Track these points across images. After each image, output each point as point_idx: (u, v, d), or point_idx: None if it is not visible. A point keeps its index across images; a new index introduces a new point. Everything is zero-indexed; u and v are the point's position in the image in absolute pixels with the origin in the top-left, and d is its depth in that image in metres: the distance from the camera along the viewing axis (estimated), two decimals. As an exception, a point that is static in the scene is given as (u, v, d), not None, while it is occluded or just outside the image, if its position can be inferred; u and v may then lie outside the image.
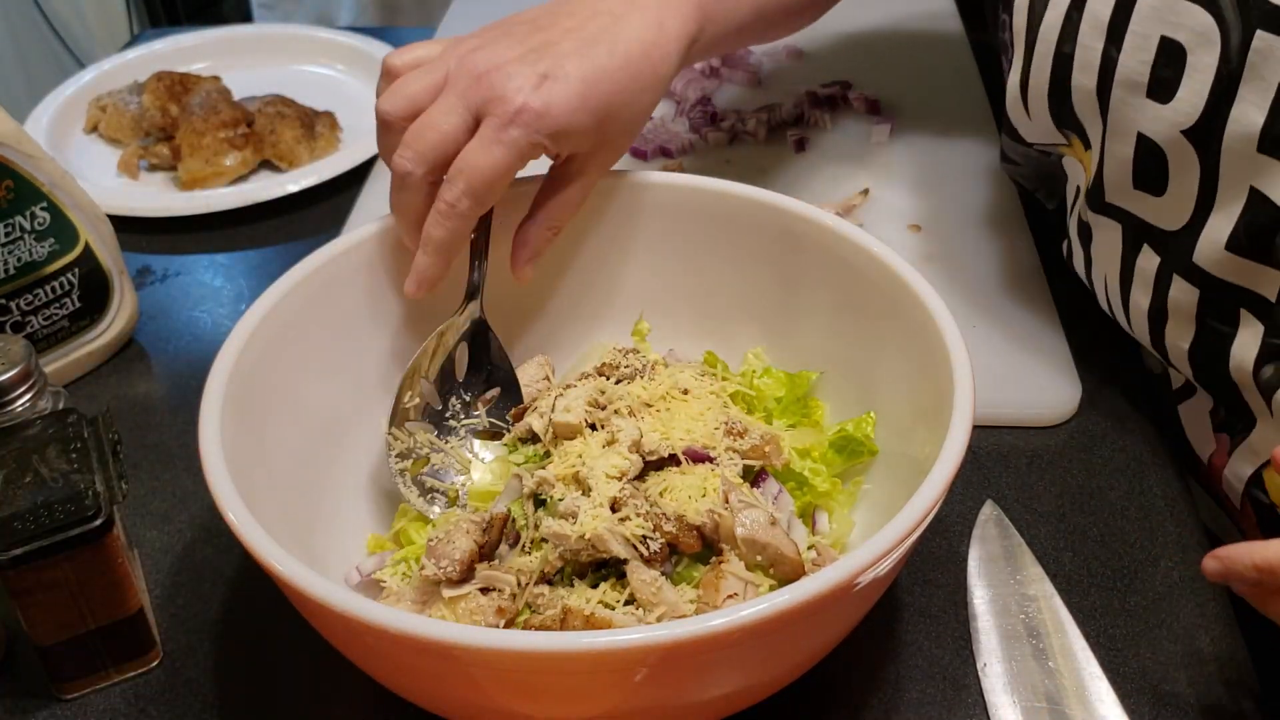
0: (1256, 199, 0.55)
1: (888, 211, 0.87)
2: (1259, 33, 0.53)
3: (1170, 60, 0.57)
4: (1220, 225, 0.57)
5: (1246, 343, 0.59)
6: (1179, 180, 0.59)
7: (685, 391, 0.60)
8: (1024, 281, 0.80)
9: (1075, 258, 0.71)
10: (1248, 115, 0.54)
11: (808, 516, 0.59)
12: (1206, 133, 0.56)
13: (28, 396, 0.60)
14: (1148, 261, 0.63)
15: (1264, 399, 0.60)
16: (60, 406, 0.62)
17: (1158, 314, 0.64)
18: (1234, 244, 0.57)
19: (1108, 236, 0.65)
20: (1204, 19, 0.55)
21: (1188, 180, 0.58)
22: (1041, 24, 0.63)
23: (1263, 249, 0.56)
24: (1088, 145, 0.65)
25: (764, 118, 0.97)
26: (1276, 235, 0.55)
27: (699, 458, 0.56)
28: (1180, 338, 0.63)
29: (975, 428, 0.51)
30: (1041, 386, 0.72)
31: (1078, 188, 0.70)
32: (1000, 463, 0.68)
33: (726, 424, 0.58)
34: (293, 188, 0.94)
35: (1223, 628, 0.59)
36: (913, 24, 1.13)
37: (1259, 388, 0.60)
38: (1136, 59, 0.58)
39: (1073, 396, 0.71)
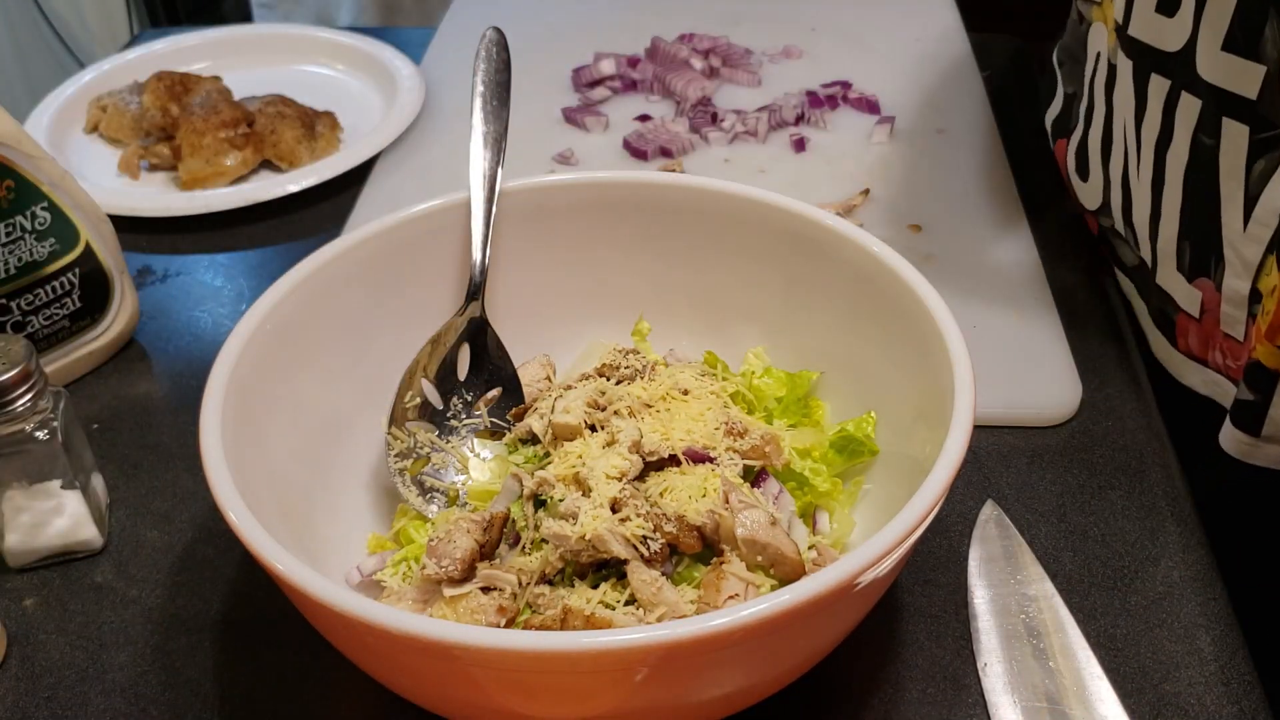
0: None
1: (888, 211, 0.87)
2: None
3: None
4: (1211, 38, 0.61)
5: (1230, 146, 0.63)
6: (1186, 2, 0.63)
7: (685, 392, 0.60)
8: (1024, 281, 0.80)
9: (1093, 128, 0.75)
10: None
11: (808, 516, 0.59)
12: None
13: (28, 397, 0.60)
14: (1157, 86, 0.67)
15: (1245, 210, 0.63)
16: (61, 407, 0.62)
17: (1164, 139, 0.67)
18: (1230, 44, 0.60)
19: (1125, 78, 0.69)
20: None
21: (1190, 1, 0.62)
22: None
23: (1253, 44, 0.59)
24: None
25: (764, 118, 0.97)
26: (1265, 27, 0.58)
27: (699, 458, 0.56)
28: (1177, 162, 0.66)
29: (975, 428, 0.51)
30: (1041, 386, 0.72)
31: (1098, 53, 0.75)
32: (1000, 463, 0.68)
33: (726, 424, 0.58)
34: (293, 188, 0.94)
35: (1223, 627, 0.59)
36: (913, 24, 1.13)
37: (1246, 190, 0.63)
38: None
39: (1073, 396, 0.71)
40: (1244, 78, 0.61)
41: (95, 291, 0.76)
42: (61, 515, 0.63)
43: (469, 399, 0.65)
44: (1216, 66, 0.62)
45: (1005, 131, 0.96)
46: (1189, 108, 0.65)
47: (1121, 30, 0.69)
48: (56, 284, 0.74)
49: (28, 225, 0.71)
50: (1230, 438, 0.67)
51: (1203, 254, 0.67)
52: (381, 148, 0.98)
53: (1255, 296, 0.65)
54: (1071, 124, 0.83)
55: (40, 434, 0.61)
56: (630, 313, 0.70)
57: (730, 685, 0.48)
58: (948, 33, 1.11)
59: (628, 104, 1.03)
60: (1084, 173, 0.80)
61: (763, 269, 0.67)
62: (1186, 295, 0.70)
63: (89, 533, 0.64)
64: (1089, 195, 0.80)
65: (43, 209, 0.71)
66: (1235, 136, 0.62)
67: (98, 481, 0.67)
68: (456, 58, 1.12)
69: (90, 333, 0.77)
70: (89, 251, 0.75)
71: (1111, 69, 0.73)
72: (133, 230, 0.91)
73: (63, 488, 0.62)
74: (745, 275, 0.67)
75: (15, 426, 0.60)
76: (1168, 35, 0.65)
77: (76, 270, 0.74)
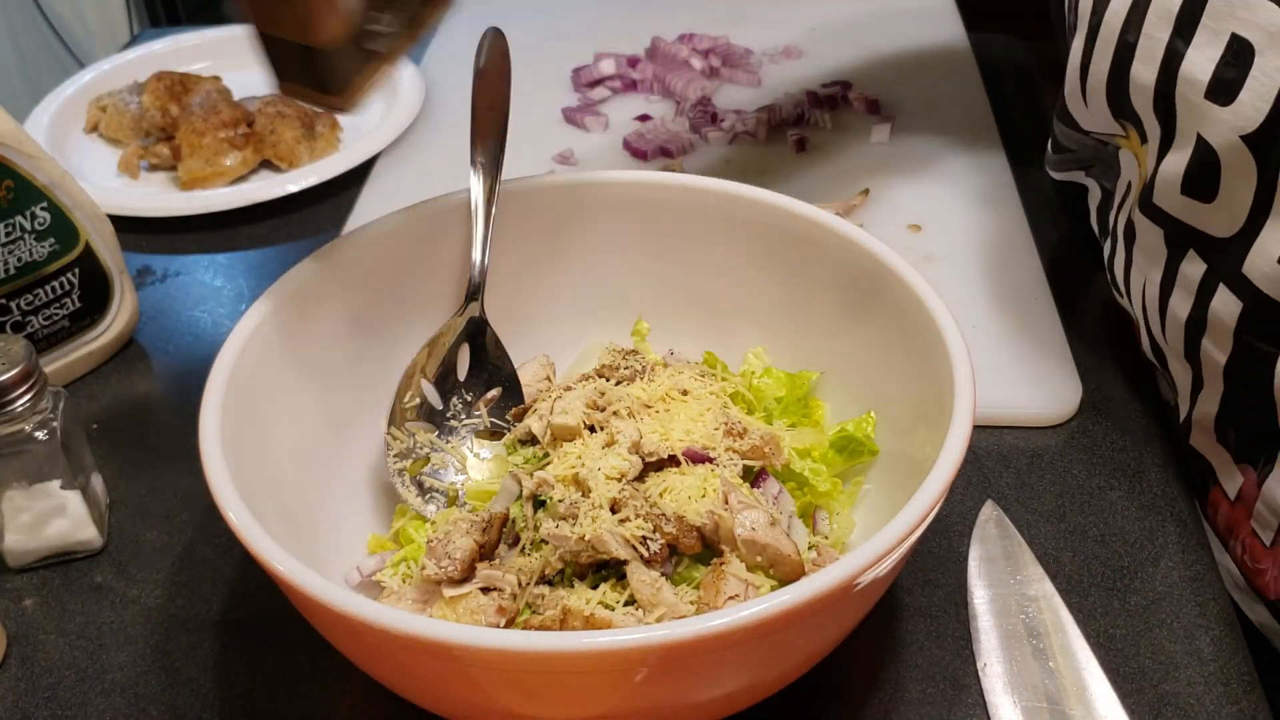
0: None
1: (888, 211, 0.87)
2: None
3: (1238, 59, 0.54)
4: (1275, 238, 0.55)
5: None
6: (1233, 187, 0.56)
7: (685, 392, 0.60)
8: (1024, 281, 0.80)
9: (1116, 259, 0.69)
10: None
11: (808, 517, 0.59)
12: (1269, 139, 0.53)
13: (28, 397, 0.60)
14: (1192, 268, 0.60)
15: None
16: (61, 407, 0.62)
17: (1196, 324, 0.61)
18: None
19: (1151, 240, 0.63)
20: (1275, 16, 0.52)
21: (1242, 188, 0.56)
22: (1107, 9, 0.61)
23: None
24: (1144, 139, 0.63)
25: (764, 118, 0.97)
26: None
27: (699, 458, 0.56)
28: (1218, 351, 0.61)
29: (975, 428, 0.51)
30: (1041, 386, 0.72)
31: (1129, 183, 0.67)
32: (1000, 463, 0.68)
33: (726, 424, 0.58)
34: (293, 188, 0.94)
35: (1223, 628, 0.59)
36: (913, 24, 1.13)
37: None
38: (1203, 55, 0.56)
39: (1073, 396, 0.71)
40: None
41: (95, 291, 0.76)
42: (61, 516, 0.63)
43: (468, 399, 0.65)
44: (1274, 278, 0.55)
45: (1005, 131, 0.96)
46: (1228, 304, 0.58)
47: (1146, 196, 0.62)
48: (56, 284, 0.74)
49: (27, 225, 0.71)
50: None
51: (1251, 444, 0.62)
52: (381, 148, 0.98)
53: None
54: (1104, 230, 0.75)
55: (40, 434, 0.61)
56: (630, 313, 0.70)
57: (730, 685, 0.48)
58: (948, 33, 1.11)
59: (628, 104, 1.03)
60: (1119, 290, 0.72)
61: (763, 269, 0.67)
62: (1228, 473, 0.64)
63: (89, 533, 0.64)
64: (1129, 309, 0.71)
65: (42, 209, 0.71)
66: None
67: (97, 482, 0.67)
68: (456, 58, 1.12)
69: (90, 333, 0.77)
70: (89, 251, 0.75)
71: (1131, 226, 0.66)
72: (133, 230, 0.91)
73: (62, 488, 0.62)
74: (745, 275, 0.67)
75: (15, 427, 0.60)
76: (1206, 219, 0.58)
77: (76, 270, 0.74)
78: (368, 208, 0.91)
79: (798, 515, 0.58)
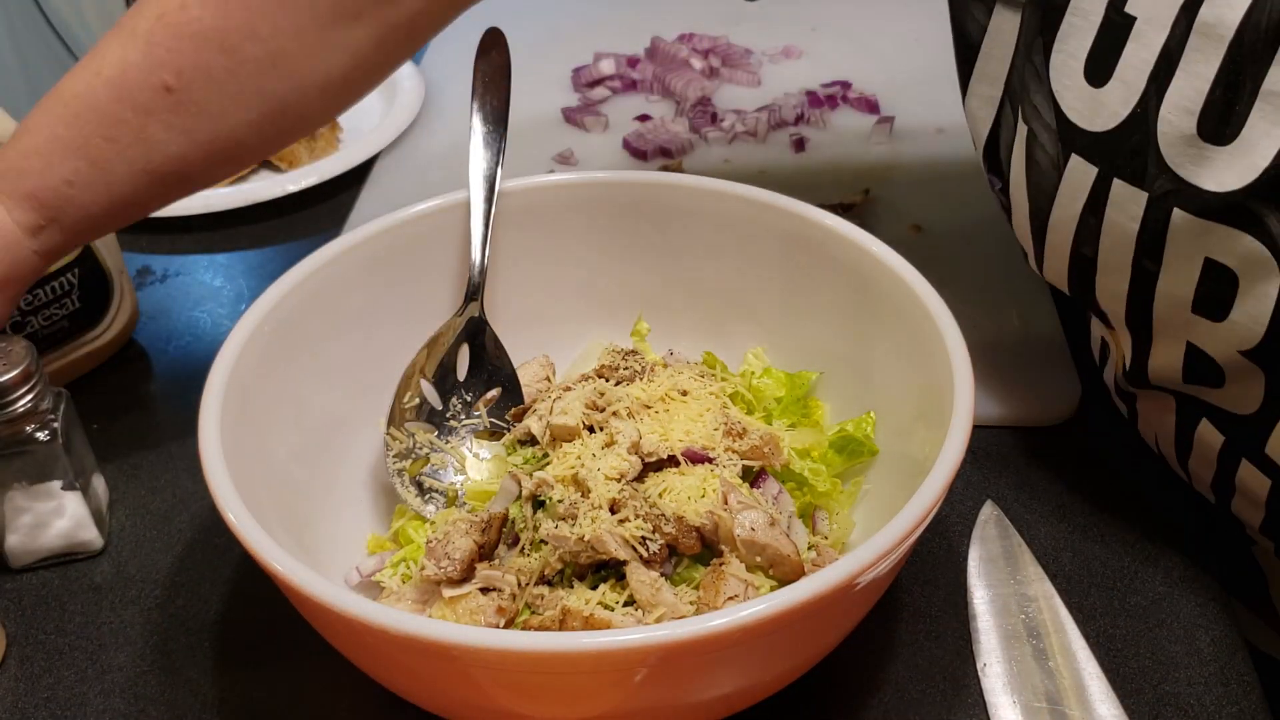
0: None
1: (888, 211, 0.87)
2: None
3: (1220, 282, 0.49)
4: None
5: None
6: (1243, 383, 0.52)
7: (684, 393, 0.60)
8: (1024, 281, 0.80)
9: (1118, 403, 0.65)
10: None
11: (808, 517, 0.59)
12: (1272, 353, 0.49)
13: (29, 397, 0.60)
14: (1210, 436, 0.56)
15: None
16: (62, 408, 0.62)
17: (1224, 488, 0.58)
18: None
19: (1157, 406, 0.59)
20: (1253, 246, 0.47)
21: (1253, 384, 0.51)
22: (1049, 221, 0.55)
23: None
24: (1110, 328, 0.58)
25: (764, 118, 0.97)
26: None
27: (698, 459, 0.56)
28: (1253, 514, 0.58)
29: (975, 428, 0.51)
30: (1041, 386, 0.72)
31: (1105, 343, 0.62)
32: (1000, 463, 0.68)
33: (726, 425, 0.58)
34: (293, 188, 0.94)
35: (1223, 628, 0.59)
36: (913, 24, 1.13)
37: None
38: (1179, 276, 0.50)
39: (1073, 396, 0.71)
40: None
41: (95, 292, 0.76)
42: (62, 517, 0.63)
43: (468, 399, 0.65)
44: None
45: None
46: (1257, 479, 0.55)
47: (1139, 377, 0.58)
48: (56, 284, 0.74)
49: None
50: None
51: None
52: (381, 148, 0.98)
53: None
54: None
55: (41, 435, 0.61)
56: (630, 313, 0.70)
57: (730, 685, 0.48)
58: (948, 33, 1.11)
59: (628, 104, 1.03)
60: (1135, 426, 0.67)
61: (763, 269, 0.67)
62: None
63: (89, 534, 0.64)
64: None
65: None
66: None
67: (98, 483, 0.67)
68: (456, 58, 1.12)
69: (90, 333, 0.77)
70: (88, 252, 0.75)
71: (1128, 393, 0.62)
72: (133, 230, 0.91)
73: (63, 489, 0.62)
74: (745, 275, 0.67)
75: (16, 427, 0.60)
76: (1219, 398, 0.54)
77: (76, 271, 0.74)
78: (368, 208, 0.91)
79: (797, 515, 0.58)
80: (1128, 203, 0.51)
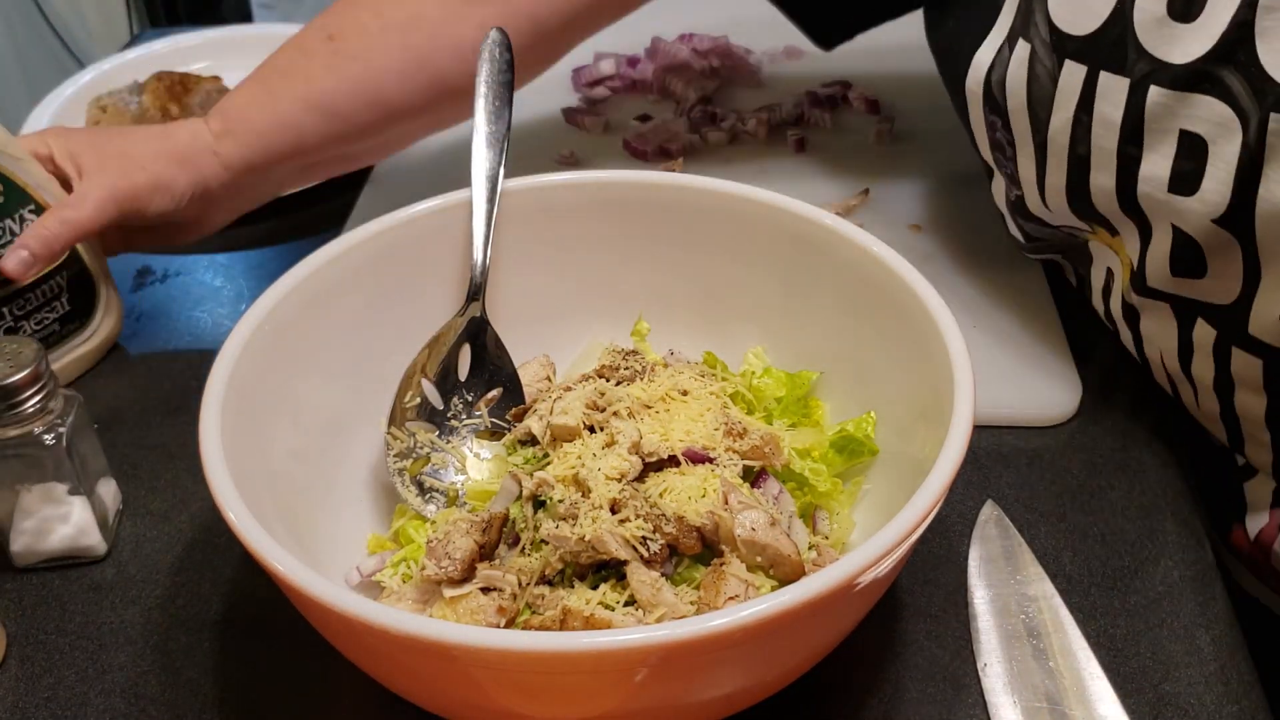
0: None
1: (888, 211, 0.87)
2: (1273, 115, 0.52)
3: (1192, 153, 0.56)
4: (1272, 298, 0.57)
5: None
6: (1220, 263, 0.58)
7: (685, 393, 0.60)
8: (1024, 281, 0.80)
9: (1121, 336, 0.70)
10: (1274, 194, 0.54)
11: (808, 517, 0.59)
12: (1239, 218, 0.55)
13: (37, 399, 0.60)
14: (1204, 335, 0.62)
15: None
16: (73, 412, 0.62)
17: (1224, 385, 0.63)
18: None
19: (1158, 316, 0.64)
20: (1221, 110, 0.54)
21: (1230, 262, 0.58)
22: (1049, 128, 0.62)
23: None
24: (1114, 234, 0.64)
25: (764, 118, 0.97)
26: None
27: (698, 459, 0.56)
28: (1253, 406, 0.63)
29: (975, 428, 0.51)
30: (1041, 386, 0.72)
31: (1108, 269, 0.68)
32: (1000, 463, 0.68)
33: (726, 425, 0.58)
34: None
35: (1224, 627, 0.59)
36: (913, 24, 1.13)
37: None
38: (1158, 154, 0.57)
39: (1073, 396, 0.71)
40: None
41: (82, 294, 0.76)
42: (66, 522, 0.63)
43: (469, 399, 0.65)
44: (1272, 330, 0.58)
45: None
46: (1248, 365, 0.61)
47: (1139, 282, 0.63)
48: (46, 287, 0.74)
49: (16, 229, 0.71)
50: None
51: None
52: (381, 148, 0.98)
53: None
54: (1087, 296, 0.74)
55: (47, 438, 0.60)
56: (630, 313, 0.70)
57: (730, 685, 0.48)
58: (948, 33, 1.11)
59: (628, 104, 1.03)
60: (1143, 363, 0.71)
61: (763, 269, 0.67)
62: (1257, 512, 0.67)
63: (92, 540, 0.64)
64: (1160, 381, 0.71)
65: (30, 212, 0.71)
66: None
67: (107, 487, 0.66)
68: (456, 58, 1.12)
69: (78, 336, 0.77)
70: (75, 254, 0.75)
71: (1130, 307, 0.67)
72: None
73: (69, 493, 0.62)
74: (745, 275, 0.67)
75: (23, 429, 0.60)
76: (1204, 289, 0.60)
77: (64, 273, 0.74)
78: (368, 208, 0.91)
79: (798, 515, 0.58)
80: (1112, 92, 0.58)
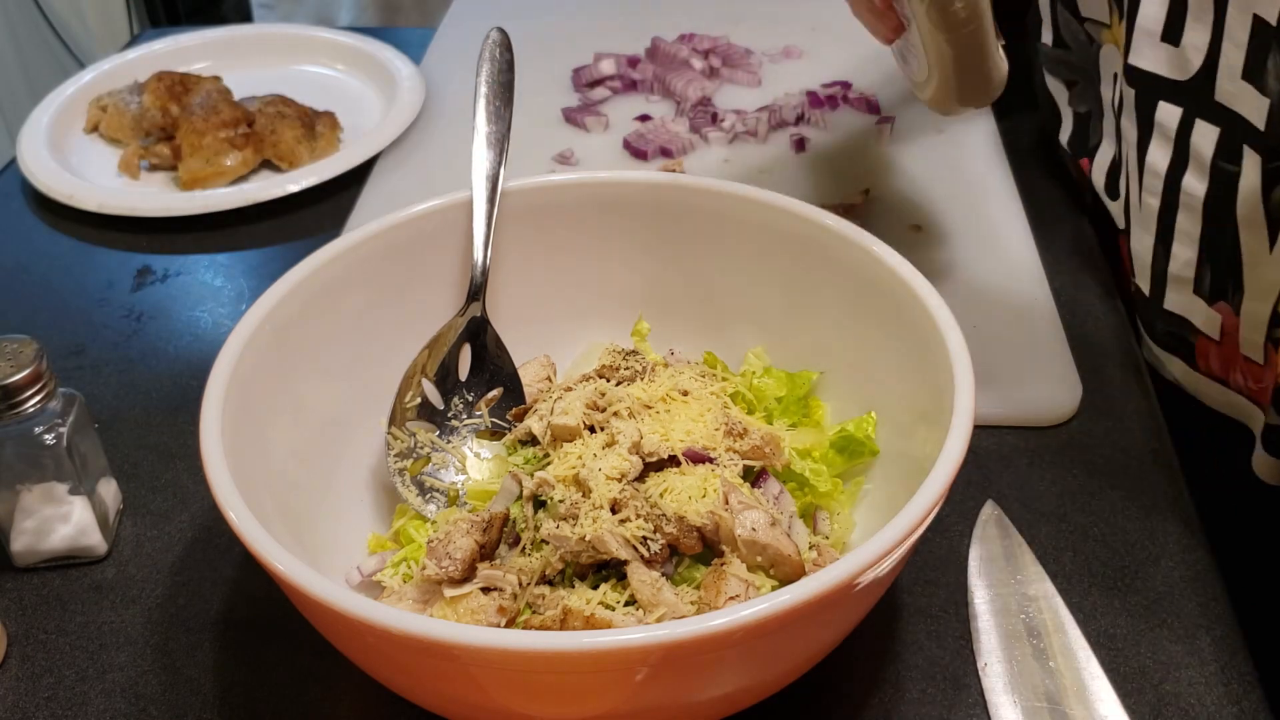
0: (1258, 26, 0.59)
1: (888, 211, 0.87)
2: None
3: None
4: (1234, 62, 0.61)
5: (1250, 173, 0.62)
6: (1194, 31, 0.62)
7: (685, 393, 0.60)
8: (1024, 281, 0.80)
9: (1100, 153, 0.74)
10: None
11: (808, 517, 0.59)
12: None
13: (37, 399, 0.60)
14: (1167, 114, 0.66)
15: (1270, 234, 0.63)
16: (74, 411, 0.62)
17: (1177, 166, 0.67)
18: (1247, 73, 0.60)
19: (1129, 106, 0.69)
20: None
21: (1201, 29, 0.62)
22: None
23: (1259, 75, 0.60)
24: (1123, 16, 0.68)
25: (764, 118, 0.97)
26: (1269, 59, 0.59)
27: (699, 459, 0.56)
28: (1198, 185, 0.66)
29: (975, 428, 0.51)
30: (1041, 386, 0.72)
31: (1115, 74, 0.73)
32: (1000, 463, 0.68)
33: (726, 425, 0.58)
34: (293, 188, 0.94)
35: (1224, 627, 0.59)
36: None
37: (1268, 216, 0.62)
38: None
39: (1073, 396, 0.71)
40: (1255, 107, 0.61)
41: None
42: (67, 522, 0.63)
43: (469, 399, 0.65)
44: (1237, 94, 0.62)
45: (1005, 131, 0.96)
46: (1206, 135, 0.65)
47: (1123, 61, 0.69)
48: None
49: None
50: (1263, 463, 0.67)
51: (1221, 278, 0.67)
52: (381, 148, 0.98)
53: (1276, 320, 0.65)
54: (1093, 141, 0.82)
55: (48, 438, 0.60)
56: (630, 313, 0.70)
57: (730, 685, 0.48)
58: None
59: (628, 104, 1.03)
60: (1113, 192, 0.79)
61: (763, 269, 0.67)
62: (1206, 318, 0.69)
63: (93, 540, 0.64)
64: (1119, 215, 0.79)
65: None
66: (1253, 164, 0.62)
67: (108, 487, 0.66)
68: (456, 58, 1.12)
69: None
70: None
71: (1121, 97, 0.72)
72: (133, 230, 0.91)
73: (70, 493, 0.62)
74: (745, 275, 0.67)
75: (23, 428, 0.60)
76: (1177, 64, 0.65)
77: None
78: (368, 208, 0.91)
79: (798, 515, 0.58)
80: None
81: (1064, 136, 0.87)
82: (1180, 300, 0.71)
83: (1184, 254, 0.69)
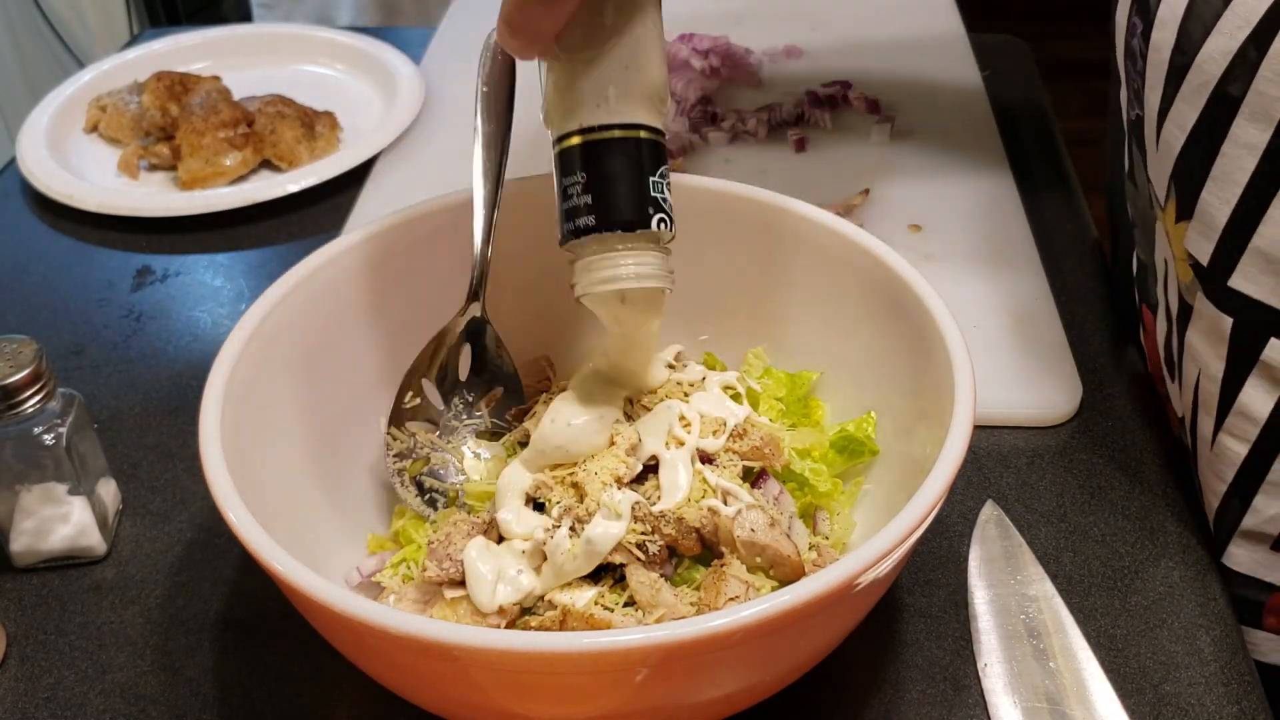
0: None
1: (888, 211, 0.87)
2: None
3: None
4: None
5: None
6: None
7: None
8: (1024, 281, 0.80)
9: (1172, 339, 0.62)
10: None
11: (808, 517, 0.59)
12: None
13: (37, 399, 0.60)
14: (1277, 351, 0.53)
15: None
16: (73, 411, 0.62)
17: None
18: None
19: (1211, 327, 0.57)
20: None
21: None
22: (1196, 58, 0.52)
23: None
24: (1181, 216, 0.56)
25: (764, 118, 0.97)
26: None
27: (699, 459, 0.56)
28: None
29: (975, 428, 0.51)
30: (1041, 386, 0.72)
31: (1165, 260, 0.60)
32: (1000, 463, 0.68)
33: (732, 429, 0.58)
34: (293, 188, 0.94)
35: (1224, 627, 0.59)
36: (913, 24, 1.13)
37: None
38: None
39: (1073, 396, 0.71)
40: None
41: None
42: (66, 523, 0.63)
43: (470, 399, 0.65)
44: None
45: (1005, 131, 0.96)
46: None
47: (1208, 275, 0.55)
48: None
49: None
50: None
51: None
52: (381, 148, 0.98)
53: None
54: (1152, 301, 0.68)
55: (47, 438, 0.60)
56: (630, 313, 0.70)
57: (730, 686, 0.48)
58: (948, 32, 1.11)
59: (628, 104, 1.03)
60: (1174, 373, 0.65)
61: (763, 269, 0.67)
62: None
63: (92, 540, 0.64)
64: (1178, 401, 0.66)
65: None
66: None
67: (107, 488, 0.66)
68: (456, 58, 1.12)
69: None
70: None
71: (1186, 307, 0.59)
72: (132, 230, 0.91)
73: (69, 493, 0.62)
74: (745, 275, 0.67)
75: (23, 428, 0.60)
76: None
77: None
78: (368, 208, 0.91)
79: (798, 516, 0.58)
80: None
81: (1135, 268, 0.73)
82: (1253, 558, 0.61)
83: (1270, 509, 0.58)
